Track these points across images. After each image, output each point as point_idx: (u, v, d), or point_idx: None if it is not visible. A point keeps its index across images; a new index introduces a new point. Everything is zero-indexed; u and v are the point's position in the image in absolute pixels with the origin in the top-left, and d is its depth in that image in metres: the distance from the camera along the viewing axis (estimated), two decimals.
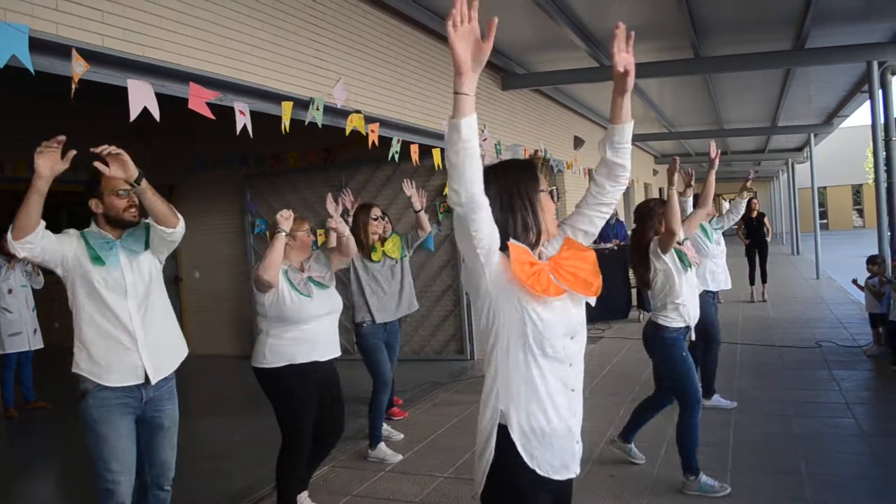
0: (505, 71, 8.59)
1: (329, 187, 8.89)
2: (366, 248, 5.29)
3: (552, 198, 2.07)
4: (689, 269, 4.28)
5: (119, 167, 2.84)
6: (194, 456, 5.57)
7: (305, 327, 3.86)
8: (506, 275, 1.88)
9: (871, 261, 7.69)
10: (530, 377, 1.91)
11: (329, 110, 5.12)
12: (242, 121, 4.26)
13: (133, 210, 3.08)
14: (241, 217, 9.49)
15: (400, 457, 5.01)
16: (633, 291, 10.93)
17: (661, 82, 10.46)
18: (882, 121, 7.60)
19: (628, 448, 4.70)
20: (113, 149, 2.83)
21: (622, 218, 13.07)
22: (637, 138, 16.54)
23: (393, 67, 6.17)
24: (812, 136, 16.15)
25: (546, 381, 1.93)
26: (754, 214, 12.54)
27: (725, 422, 5.44)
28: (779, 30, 7.42)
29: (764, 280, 12.37)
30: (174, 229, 3.11)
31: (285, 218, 3.79)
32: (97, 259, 2.99)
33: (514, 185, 2.00)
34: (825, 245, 17.79)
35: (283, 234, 3.75)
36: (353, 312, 5.25)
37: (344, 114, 5.33)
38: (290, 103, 4.66)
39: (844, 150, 35.33)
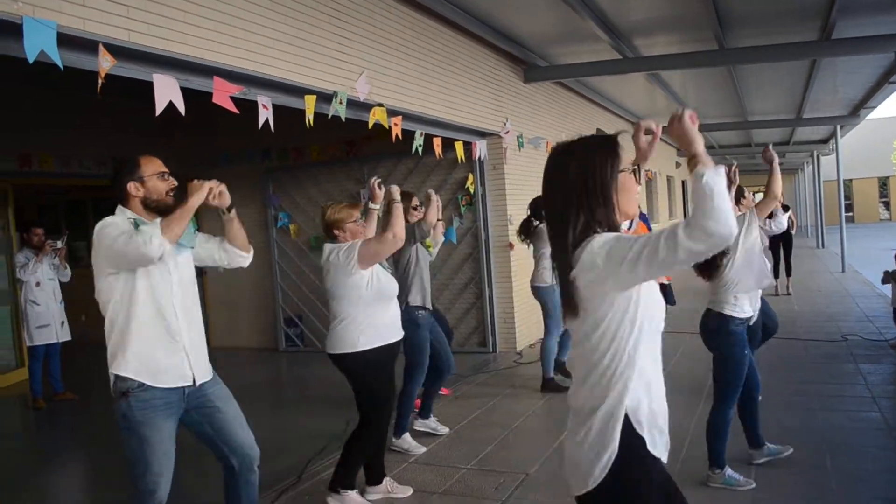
0: (527, 63, 8.56)
1: (351, 181, 8.95)
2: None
3: (635, 177, 1.99)
4: None
5: (219, 198, 3.04)
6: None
7: (392, 305, 4.05)
8: None
9: None
10: (646, 362, 1.86)
11: (352, 104, 5.14)
12: (265, 114, 4.29)
13: (172, 193, 2.98)
14: (264, 211, 9.55)
15: (423, 448, 5.03)
16: None
17: (685, 74, 10.37)
18: None
19: (766, 449, 4.47)
20: (219, 186, 3.03)
21: (644, 210, 12.94)
22: (662, 130, 16.41)
23: (416, 61, 6.18)
24: (838, 127, 15.93)
25: (655, 362, 1.90)
26: (778, 206, 12.42)
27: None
28: (805, 20, 7.33)
29: (788, 273, 12.26)
30: (249, 256, 3.31)
31: (396, 190, 4.02)
32: None
33: (594, 164, 1.92)
34: (851, 238, 17.56)
35: (398, 203, 3.94)
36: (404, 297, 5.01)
37: (367, 107, 5.35)
38: (314, 97, 4.69)
39: (870, 141, 34.84)
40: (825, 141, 20.97)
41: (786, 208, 12.59)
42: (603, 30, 7.07)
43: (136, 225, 2.83)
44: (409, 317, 4.83)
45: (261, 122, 4.25)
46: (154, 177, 2.92)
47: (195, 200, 2.87)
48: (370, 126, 5.38)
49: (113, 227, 2.78)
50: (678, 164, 22.58)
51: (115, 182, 2.93)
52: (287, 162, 9.34)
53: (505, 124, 8.07)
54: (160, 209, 2.91)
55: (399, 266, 5.00)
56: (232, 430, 3.08)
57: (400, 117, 5.65)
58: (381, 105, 5.44)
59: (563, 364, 6.78)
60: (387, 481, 4.26)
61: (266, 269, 9.55)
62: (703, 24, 7.12)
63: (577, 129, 10.99)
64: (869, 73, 10.76)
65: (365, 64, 5.37)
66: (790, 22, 7.38)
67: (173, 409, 2.90)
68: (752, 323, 4.30)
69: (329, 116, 4.91)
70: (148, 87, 3.55)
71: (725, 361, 4.12)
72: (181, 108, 3.61)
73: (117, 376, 2.81)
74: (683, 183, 24.64)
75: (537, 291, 6.45)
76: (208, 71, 3.88)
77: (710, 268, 4.11)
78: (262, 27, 4.33)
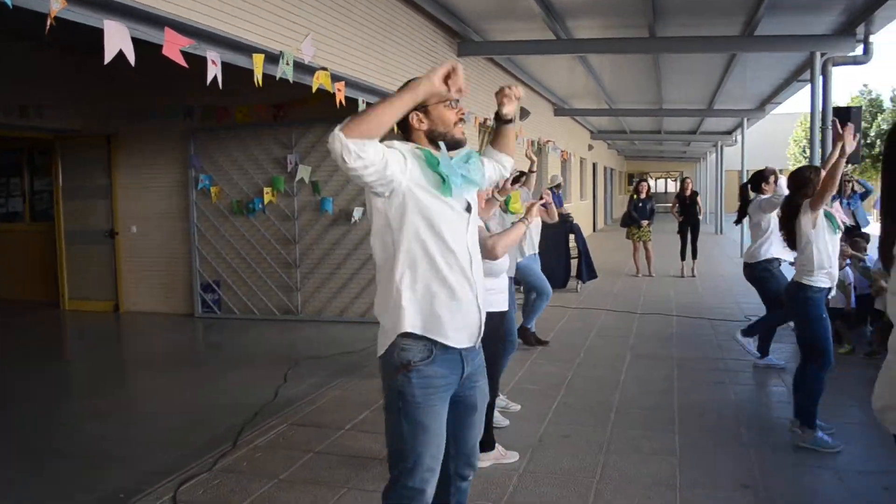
0: (462, 38, 8.58)
1: (278, 145, 8.76)
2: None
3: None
4: (836, 230, 4.43)
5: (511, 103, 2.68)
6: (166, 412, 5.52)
7: None
8: None
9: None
10: None
11: (296, 66, 5.03)
12: (214, 71, 4.17)
13: (461, 126, 2.48)
14: (184, 171, 9.23)
15: (507, 422, 4.87)
16: (573, 262, 11.18)
17: (613, 59, 10.64)
18: (821, 109, 7.96)
19: (818, 438, 4.34)
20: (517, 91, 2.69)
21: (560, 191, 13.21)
22: (576, 112, 16.79)
23: (358, 26, 6.11)
24: (745, 120, 16.73)
25: None
26: (688, 193, 13.01)
27: (669, 388, 5.68)
28: (731, 15, 7.65)
29: (694, 256, 12.85)
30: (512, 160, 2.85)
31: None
32: (446, 184, 2.31)
33: None
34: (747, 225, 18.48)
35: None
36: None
37: (310, 70, 5.25)
38: (262, 56, 4.57)
39: (768, 135, 36.63)
40: (730, 132, 21.97)
41: (695, 194, 13.19)
42: (541, 7, 7.16)
43: (426, 155, 2.34)
44: None
45: (209, 78, 4.12)
46: (441, 104, 2.38)
47: (423, 89, 2.17)
48: (314, 90, 5.28)
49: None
50: (591, 147, 23.17)
51: None
52: (211, 123, 9.03)
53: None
54: (449, 146, 2.40)
55: None
56: (474, 432, 2.60)
57: (343, 83, 5.57)
58: (325, 69, 5.35)
59: (527, 330, 7.12)
60: (498, 447, 4.23)
61: (183, 233, 9.26)
62: (639, 11, 7.32)
63: None
64: (780, 70, 11.34)
65: (311, 25, 5.27)
66: (719, 15, 7.68)
67: (451, 388, 2.43)
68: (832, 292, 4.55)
69: (277, 78, 4.80)
70: (70, 33, 3.36)
71: (804, 323, 4.44)
72: (131, 58, 3.45)
73: (394, 344, 2.34)
74: (594, 165, 25.32)
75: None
76: (160, 21, 3.72)
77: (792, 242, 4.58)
78: None
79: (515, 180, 6.09)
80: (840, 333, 6.75)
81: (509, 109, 2.70)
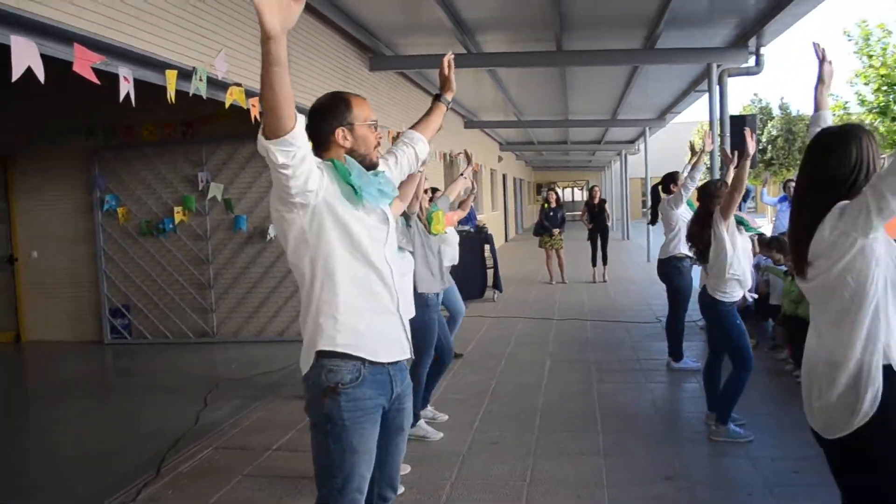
0: (373, 52, 8.61)
1: (189, 163, 8.54)
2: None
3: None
4: (749, 230, 4.66)
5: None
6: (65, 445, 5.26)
7: None
8: None
9: (771, 245, 6.96)
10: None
11: (210, 82, 4.95)
12: (126, 88, 4.04)
13: (378, 150, 2.46)
14: (88, 193, 8.87)
15: (441, 435, 4.86)
16: (489, 272, 11.35)
17: (521, 73, 10.88)
18: (718, 117, 8.40)
19: (731, 430, 4.58)
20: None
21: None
22: (485, 125, 17.08)
23: None
24: (647, 129, 17.41)
25: None
26: (596, 201, 13.43)
27: (589, 391, 5.85)
28: (633, 29, 7.98)
29: (605, 262, 13.26)
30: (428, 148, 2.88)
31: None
32: (358, 194, 2.27)
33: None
34: (652, 231, 19.24)
35: None
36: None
37: (224, 86, 5.18)
38: (175, 72, 4.47)
39: (666, 144, 38.21)
40: (632, 141, 22.79)
41: (603, 202, 13.62)
42: (451, 21, 7.28)
43: (334, 164, 2.29)
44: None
45: (121, 95, 3.99)
46: (365, 125, 2.38)
47: (274, 47, 1.85)
48: (227, 106, 5.20)
49: None
50: (500, 158, 23.57)
51: (317, 125, 2.36)
52: (115, 141, 8.72)
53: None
54: (367, 168, 2.38)
55: None
56: (398, 453, 2.55)
57: (257, 98, 5.50)
58: (238, 85, 5.28)
59: None
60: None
61: (89, 256, 8.89)
62: (546, 25, 7.53)
63: (414, 120, 11.20)
64: (679, 81, 11.88)
65: (224, 41, 5.20)
66: (620, 29, 8.01)
67: (381, 408, 2.37)
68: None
69: (191, 94, 4.70)
70: None
71: (722, 333, 4.68)
72: (41, 75, 3.32)
73: (319, 365, 2.26)
74: (504, 176, 25.76)
75: None
76: (69, 37, 3.60)
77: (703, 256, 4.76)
78: None
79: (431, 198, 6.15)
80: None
81: (452, 80, 2.86)
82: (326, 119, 2.35)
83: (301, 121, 2.04)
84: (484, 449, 4.60)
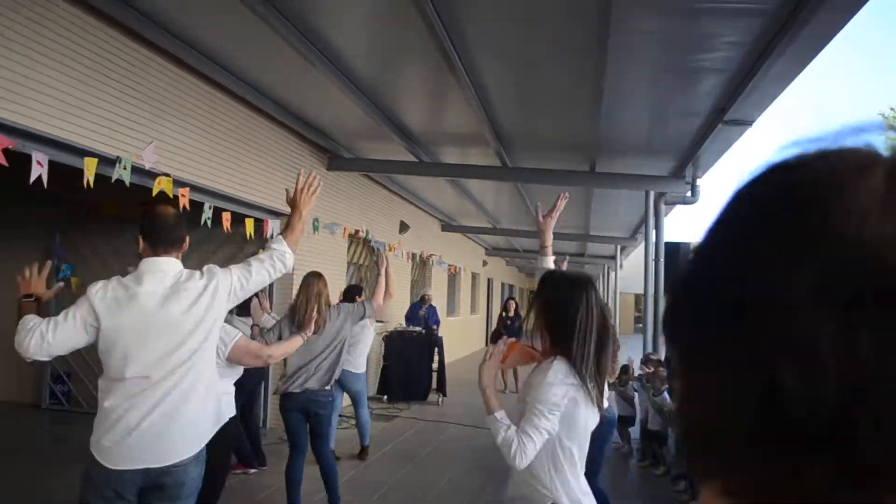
0: (331, 153, 9.02)
1: None
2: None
3: None
4: None
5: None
6: None
7: None
8: None
9: (648, 361, 7.71)
10: None
11: (138, 170, 5.30)
12: (38, 171, 4.38)
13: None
14: (44, 260, 9.12)
15: None
16: (434, 375, 11.45)
17: (481, 182, 11.28)
18: (654, 241, 8.72)
19: None
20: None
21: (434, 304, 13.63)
22: (464, 229, 17.48)
23: (207, 135, 6.39)
24: (618, 247, 17.74)
25: None
26: (511, 313, 13.58)
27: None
28: (577, 152, 8.39)
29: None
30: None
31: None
32: None
33: None
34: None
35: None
36: None
37: (152, 175, 5.52)
38: (95, 159, 4.82)
39: (636, 261, 38.47)
40: (613, 257, 23.13)
41: (518, 315, 13.81)
42: (397, 134, 7.70)
43: None
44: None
45: (32, 177, 4.34)
46: None
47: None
48: (153, 195, 5.53)
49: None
50: (485, 263, 23.94)
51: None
52: (79, 215, 9.09)
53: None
54: None
55: None
56: None
57: (187, 188, 5.85)
58: (167, 175, 5.63)
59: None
60: None
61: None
62: (486, 142, 7.92)
63: (379, 219, 11.58)
64: (638, 203, 12.24)
65: (154, 133, 5.56)
66: (564, 151, 8.41)
67: None
68: None
69: (112, 180, 5.04)
70: None
71: None
72: None
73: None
74: (490, 280, 26.08)
75: None
76: None
77: None
78: (41, 84, 4.42)
79: (349, 294, 6.41)
80: (656, 455, 7.17)
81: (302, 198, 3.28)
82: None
83: None
84: None
